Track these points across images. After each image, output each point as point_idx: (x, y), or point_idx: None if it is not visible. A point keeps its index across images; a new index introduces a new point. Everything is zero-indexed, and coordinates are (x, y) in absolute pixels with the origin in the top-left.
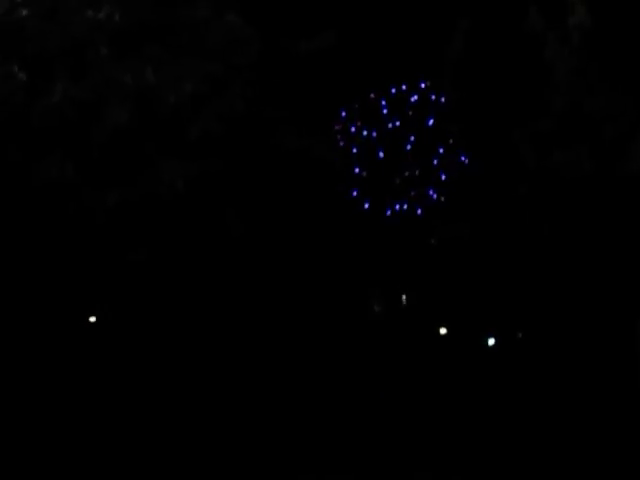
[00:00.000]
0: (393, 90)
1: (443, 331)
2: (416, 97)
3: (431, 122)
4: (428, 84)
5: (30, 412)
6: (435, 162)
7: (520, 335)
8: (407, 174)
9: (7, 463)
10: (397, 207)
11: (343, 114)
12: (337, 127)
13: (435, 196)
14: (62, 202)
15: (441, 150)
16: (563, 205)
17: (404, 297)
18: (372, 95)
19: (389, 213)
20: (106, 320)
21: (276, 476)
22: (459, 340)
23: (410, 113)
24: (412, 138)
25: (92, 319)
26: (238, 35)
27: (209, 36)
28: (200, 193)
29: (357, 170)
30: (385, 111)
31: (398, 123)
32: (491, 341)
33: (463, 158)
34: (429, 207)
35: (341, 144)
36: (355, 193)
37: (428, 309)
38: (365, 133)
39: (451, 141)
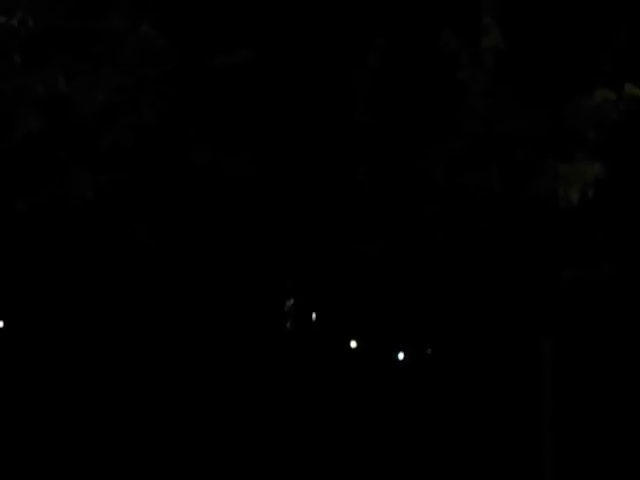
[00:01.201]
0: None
1: (353, 344)
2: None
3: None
4: None
5: None
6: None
7: (429, 351)
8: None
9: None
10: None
11: None
12: None
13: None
14: None
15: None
16: (472, 224)
17: (313, 314)
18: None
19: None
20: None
21: None
22: (369, 354)
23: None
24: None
25: None
26: (153, 47)
27: (123, 47)
28: (110, 204)
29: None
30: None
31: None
32: (400, 355)
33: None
34: (341, 223)
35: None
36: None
37: (338, 324)
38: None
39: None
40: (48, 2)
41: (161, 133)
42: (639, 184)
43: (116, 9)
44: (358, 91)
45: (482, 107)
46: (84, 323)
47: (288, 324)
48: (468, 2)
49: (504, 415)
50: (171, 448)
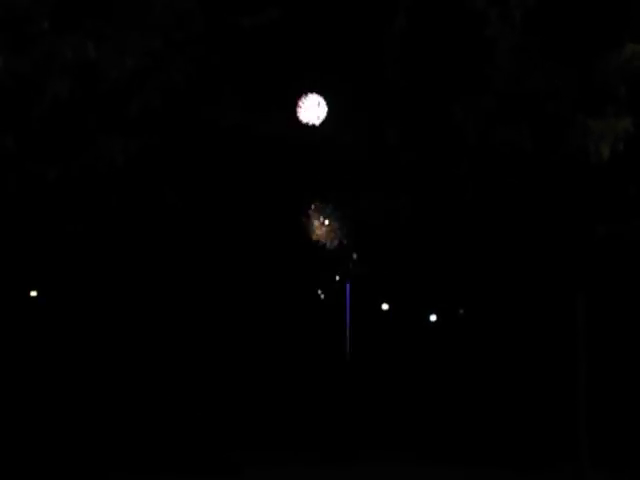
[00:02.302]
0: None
1: (385, 307)
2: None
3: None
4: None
5: None
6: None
7: (461, 311)
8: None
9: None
10: None
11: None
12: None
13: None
14: (3, 175)
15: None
16: (504, 181)
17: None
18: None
19: None
20: (48, 294)
21: None
22: (402, 315)
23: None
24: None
25: (33, 293)
26: (180, 9)
27: (150, 10)
28: (140, 169)
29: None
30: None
31: None
32: (433, 317)
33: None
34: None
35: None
36: None
37: (370, 286)
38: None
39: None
40: None
41: (190, 95)
42: None
43: None
44: (388, 50)
45: (511, 64)
46: (114, 292)
47: (320, 290)
48: None
49: (539, 370)
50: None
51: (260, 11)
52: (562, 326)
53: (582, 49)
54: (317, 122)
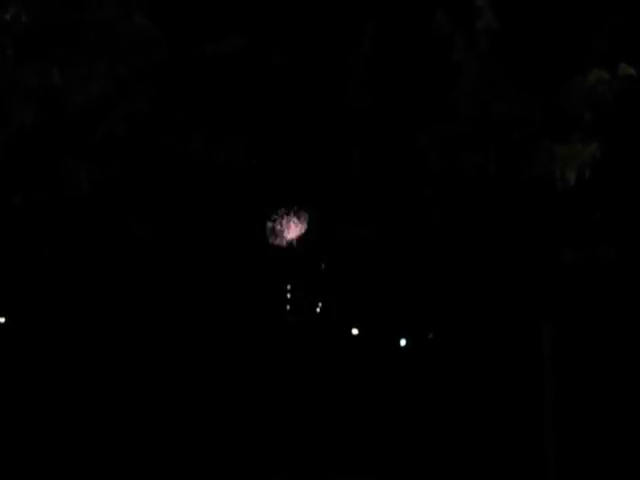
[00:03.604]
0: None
1: (355, 332)
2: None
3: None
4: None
5: None
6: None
7: (431, 336)
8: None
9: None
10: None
11: None
12: None
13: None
14: None
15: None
16: (469, 207)
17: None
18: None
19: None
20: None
21: None
22: (371, 341)
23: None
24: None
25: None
26: (145, 37)
27: (116, 38)
28: (105, 195)
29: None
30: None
31: None
32: (402, 342)
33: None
34: (336, 208)
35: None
36: None
37: (340, 311)
38: None
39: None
40: None
41: (155, 122)
42: (635, 163)
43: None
44: (352, 76)
45: (477, 89)
46: (81, 316)
47: (289, 312)
48: None
49: (505, 400)
50: (175, 440)
51: (224, 39)
52: (530, 352)
53: (547, 74)
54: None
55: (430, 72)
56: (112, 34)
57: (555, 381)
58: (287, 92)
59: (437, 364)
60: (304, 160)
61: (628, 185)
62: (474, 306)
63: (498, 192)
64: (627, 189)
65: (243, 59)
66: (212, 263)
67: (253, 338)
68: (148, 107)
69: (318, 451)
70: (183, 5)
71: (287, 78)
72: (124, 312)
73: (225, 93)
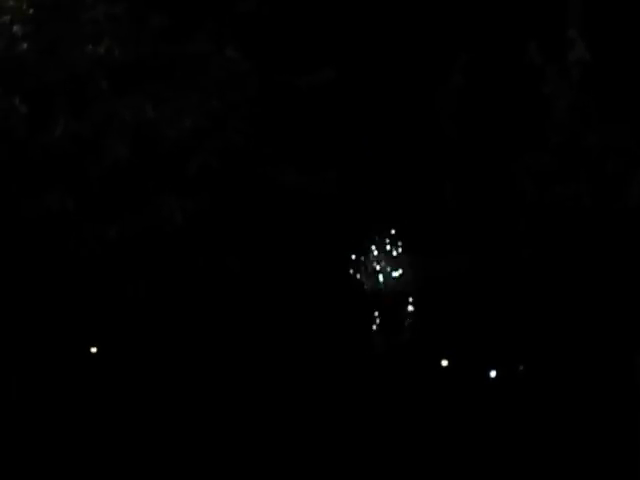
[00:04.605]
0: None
1: (445, 363)
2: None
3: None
4: None
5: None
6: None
7: (521, 367)
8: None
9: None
10: None
11: None
12: None
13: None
14: (63, 236)
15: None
16: (563, 240)
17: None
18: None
19: None
20: (107, 352)
21: None
22: (461, 372)
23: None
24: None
25: (93, 350)
26: (237, 70)
27: (208, 71)
28: (199, 228)
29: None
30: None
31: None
32: (492, 373)
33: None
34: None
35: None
36: None
37: (429, 342)
38: None
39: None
40: (133, 30)
41: (247, 155)
42: None
43: (200, 34)
44: (444, 107)
45: (568, 120)
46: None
47: (379, 342)
48: (553, 16)
49: (598, 430)
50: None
51: (315, 71)
52: (622, 386)
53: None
54: None
55: (522, 103)
56: (204, 68)
57: None
58: (380, 124)
59: (528, 395)
60: (397, 192)
61: None
62: (566, 338)
63: (592, 222)
64: None
65: (335, 91)
66: (303, 296)
67: (343, 365)
68: (241, 140)
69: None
70: (274, 38)
71: (379, 109)
72: (211, 342)
73: (317, 124)
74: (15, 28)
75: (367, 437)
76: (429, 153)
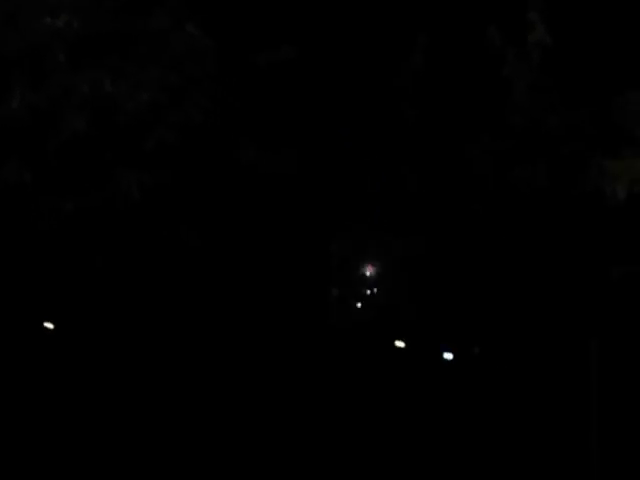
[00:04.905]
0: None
1: (400, 344)
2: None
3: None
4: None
5: None
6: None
7: (477, 350)
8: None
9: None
10: None
11: None
12: None
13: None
14: (20, 208)
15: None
16: (519, 221)
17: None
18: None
19: None
20: (62, 327)
21: None
22: (416, 354)
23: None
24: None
25: (49, 325)
26: (197, 46)
27: (168, 47)
28: (156, 202)
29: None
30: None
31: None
32: (448, 355)
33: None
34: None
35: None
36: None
37: (387, 322)
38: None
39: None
40: (93, 3)
41: (205, 131)
42: None
43: (160, 9)
44: (403, 89)
45: (528, 103)
46: (127, 323)
47: (333, 319)
48: None
49: (549, 414)
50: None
51: (275, 49)
52: (577, 368)
53: (599, 89)
54: None
55: (481, 85)
56: (164, 43)
57: (600, 396)
58: (338, 104)
59: (482, 378)
60: (354, 173)
61: None
62: (521, 321)
63: (548, 206)
64: None
65: (294, 69)
66: (259, 270)
67: (297, 342)
68: (200, 116)
69: (355, 464)
70: (235, 16)
71: (338, 90)
72: (167, 317)
73: (276, 103)
74: None
75: (319, 414)
76: (388, 134)
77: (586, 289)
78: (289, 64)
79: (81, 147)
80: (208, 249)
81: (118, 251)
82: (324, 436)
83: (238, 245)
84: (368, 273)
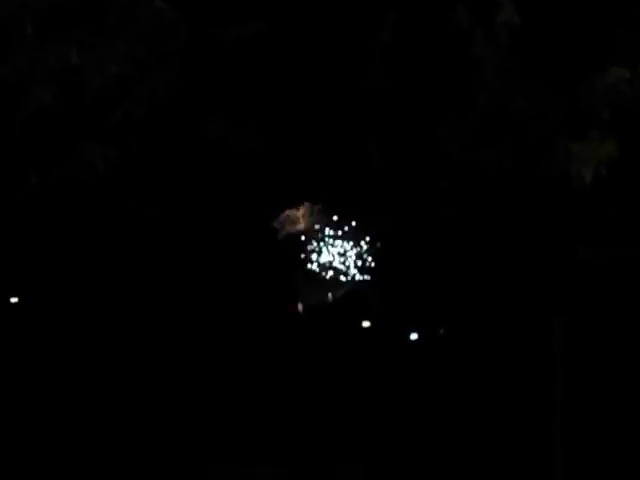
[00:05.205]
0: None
1: (366, 324)
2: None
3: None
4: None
5: None
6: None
7: (442, 331)
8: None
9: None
10: None
11: None
12: None
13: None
14: None
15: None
16: (484, 201)
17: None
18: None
19: None
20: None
21: None
22: (382, 334)
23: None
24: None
25: (14, 300)
26: (165, 20)
27: (136, 20)
28: (120, 177)
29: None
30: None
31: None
32: (413, 336)
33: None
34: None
35: None
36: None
37: (352, 303)
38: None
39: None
40: None
41: (173, 105)
42: None
43: None
44: (370, 66)
45: (496, 84)
46: (88, 303)
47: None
48: None
49: (514, 394)
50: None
51: (243, 24)
52: (541, 346)
53: (567, 72)
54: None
55: (449, 65)
56: (132, 16)
57: (565, 375)
58: (306, 79)
59: (447, 359)
60: (320, 149)
61: None
62: (486, 301)
63: (514, 188)
64: None
65: (262, 44)
66: (223, 249)
67: (260, 328)
68: (166, 90)
69: (319, 444)
70: None
71: (306, 65)
72: (128, 297)
73: (243, 78)
74: None
75: (286, 397)
76: (354, 111)
77: (551, 269)
78: (258, 39)
79: (47, 120)
80: (174, 224)
81: (82, 225)
82: (291, 417)
83: (205, 219)
84: None
